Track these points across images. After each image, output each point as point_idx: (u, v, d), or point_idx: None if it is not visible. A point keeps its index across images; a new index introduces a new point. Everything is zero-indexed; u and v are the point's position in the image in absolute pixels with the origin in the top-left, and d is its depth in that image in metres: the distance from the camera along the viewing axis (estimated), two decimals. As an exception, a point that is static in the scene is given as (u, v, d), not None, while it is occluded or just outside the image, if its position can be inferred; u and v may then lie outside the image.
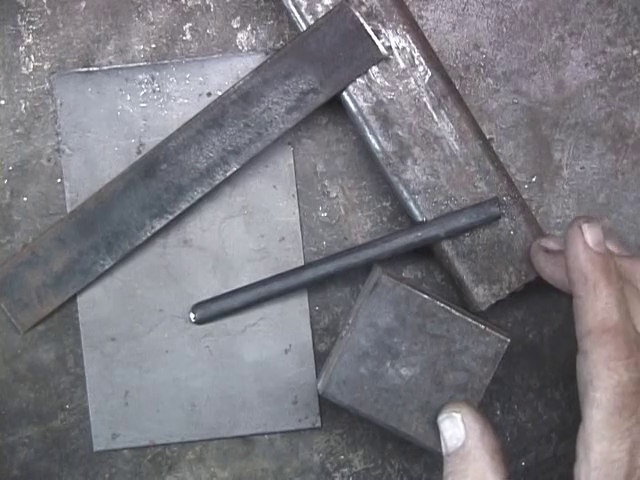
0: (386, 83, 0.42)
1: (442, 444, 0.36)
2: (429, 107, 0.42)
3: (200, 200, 0.44)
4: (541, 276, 0.41)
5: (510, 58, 0.45)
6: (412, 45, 0.42)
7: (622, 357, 0.31)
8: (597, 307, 0.32)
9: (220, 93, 0.44)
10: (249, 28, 0.45)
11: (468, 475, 0.35)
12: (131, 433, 0.45)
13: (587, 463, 0.31)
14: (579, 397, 0.32)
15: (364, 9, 0.42)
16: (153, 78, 0.45)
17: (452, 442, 0.36)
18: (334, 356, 0.41)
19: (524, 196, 0.45)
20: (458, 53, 0.45)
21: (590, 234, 0.33)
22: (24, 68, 0.45)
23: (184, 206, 0.43)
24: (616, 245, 0.38)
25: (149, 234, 0.44)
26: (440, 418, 0.37)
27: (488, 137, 0.44)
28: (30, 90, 0.45)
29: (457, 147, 0.42)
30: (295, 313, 0.45)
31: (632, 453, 0.30)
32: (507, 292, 0.43)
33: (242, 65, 0.45)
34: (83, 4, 0.45)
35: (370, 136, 0.43)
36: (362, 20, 0.42)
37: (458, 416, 0.37)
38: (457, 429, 0.36)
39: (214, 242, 0.45)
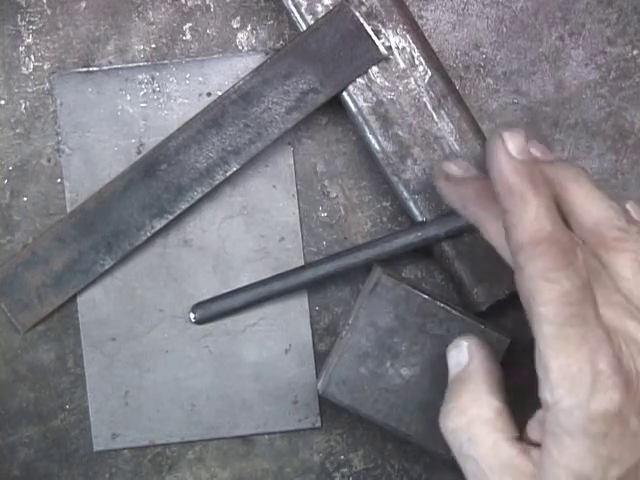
0: (386, 83, 0.42)
1: (449, 373, 0.36)
2: (429, 107, 0.42)
3: (200, 200, 0.44)
4: (450, 206, 0.38)
5: (510, 58, 0.45)
6: (412, 45, 0.42)
7: (561, 267, 0.29)
8: (527, 219, 0.30)
9: (220, 93, 0.44)
10: (249, 28, 0.45)
11: (462, 395, 0.34)
12: (131, 433, 0.45)
13: (549, 382, 0.29)
14: (527, 316, 0.30)
15: (364, 9, 0.42)
16: (153, 78, 0.45)
17: (455, 368, 0.36)
18: (334, 356, 0.41)
19: (524, 196, 0.45)
20: (458, 53, 0.45)
21: (512, 142, 0.31)
22: (24, 68, 0.45)
23: (184, 206, 0.43)
24: (539, 149, 0.36)
25: (149, 234, 0.44)
26: (448, 349, 0.36)
27: (488, 137, 0.44)
28: (30, 90, 0.45)
29: (457, 147, 0.42)
30: (295, 313, 0.45)
31: (591, 360, 0.28)
32: (507, 292, 0.43)
33: (242, 65, 0.45)
34: (83, 4, 0.45)
35: (370, 136, 0.43)
36: (362, 20, 0.42)
37: (465, 343, 0.36)
38: (461, 355, 0.35)
39: (214, 242, 0.45)
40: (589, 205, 0.33)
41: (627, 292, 0.31)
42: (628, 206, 0.35)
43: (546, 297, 0.29)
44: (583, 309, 0.29)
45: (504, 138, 0.31)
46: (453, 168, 0.38)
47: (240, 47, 0.45)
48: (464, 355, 0.35)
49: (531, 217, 0.30)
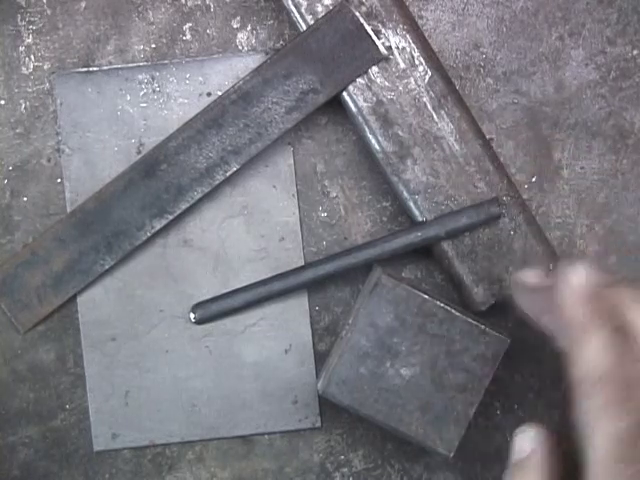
0: (386, 83, 0.42)
1: (511, 457, 0.36)
2: (429, 107, 0.42)
3: (200, 200, 0.44)
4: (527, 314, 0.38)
5: (510, 58, 0.45)
6: (412, 45, 0.42)
7: (618, 403, 0.29)
8: (586, 355, 0.30)
9: (220, 93, 0.44)
10: (249, 28, 0.45)
11: None
12: (131, 433, 0.45)
13: None
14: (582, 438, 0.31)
15: (364, 9, 0.42)
16: (153, 78, 0.45)
17: (518, 453, 0.35)
18: (334, 356, 0.41)
19: (524, 196, 0.45)
20: (458, 53, 0.45)
21: (576, 277, 0.32)
22: (24, 68, 0.45)
23: (184, 206, 0.43)
24: (600, 276, 0.36)
25: (149, 234, 0.44)
26: (515, 432, 0.36)
27: (488, 137, 0.44)
28: (30, 90, 0.45)
29: (457, 147, 0.42)
30: (295, 313, 0.45)
31: None
32: (507, 292, 0.43)
33: (242, 65, 0.45)
34: (83, 4, 0.45)
35: (370, 136, 0.43)
36: (362, 20, 0.42)
37: (532, 432, 0.35)
38: (525, 442, 0.35)
39: (214, 242, 0.45)
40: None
41: None
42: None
43: (602, 431, 0.29)
44: (637, 449, 0.29)
45: (567, 273, 0.32)
46: (529, 277, 0.38)
47: (240, 47, 0.45)
48: (529, 443, 0.35)
49: (591, 353, 0.30)
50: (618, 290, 0.34)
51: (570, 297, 0.32)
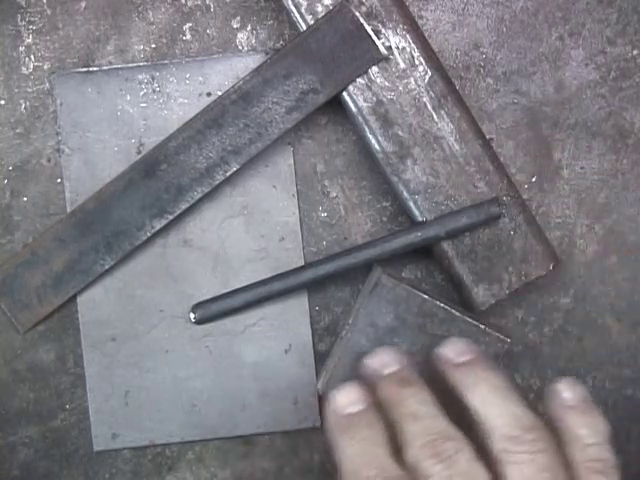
0: (386, 83, 0.42)
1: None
2: (429, 107, 0.42)
3: (200, 200, 0.44)
4: None
5: (510, 58, 0.45)
6: (412, 45, 0.42)
7: None
8: (344, 471, 0.33)
9: (220, 93, 0.44)
10: (249, 28, 0.45)
11: None
12: (131, 433, 0.45)
13: None
14: None
15: (364, 9, 0.42)
16: (153, 78, 0.45)
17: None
18: (334, 356, 0.41)
19: (524, 196, 0.45)
20: (458, 53, 0.45)
21: (338, 399, 0.35)
22: (24, 68, 0.45)
23: (184, 206, 0.43)
24: (452, 351, 0.37)
25: (149, 234, 0.44)
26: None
27: (488, 137, 0.44)
28: (30, 90, 0.45)
29: (457, 147, 0.42)
30: (295, 313, 0.45)
31: None
32: (507, 292, 0.43)
33: (242, 65, 0.45)
34: (83, 4, 0.45)
35: (370, 136, 0.43)
36: (362, 20, 0.42)
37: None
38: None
39: (214, 242, 0.45)
40: (486, 412, 0.33)
41: None
42: (560, 387, 0.35)
43: None
44: None
45: (331, 397, 0.35)
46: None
47: (240, 47, 0.45)
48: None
49: (347, 468, 0.33)
50: (462, 370, 0.36)
51: (329, 418, 0.35)
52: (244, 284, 0.45)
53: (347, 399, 0.35)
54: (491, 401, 0.33)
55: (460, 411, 0.34)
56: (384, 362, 0.36)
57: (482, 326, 0.40)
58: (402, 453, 0.33)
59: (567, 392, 0.35)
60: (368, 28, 0.42)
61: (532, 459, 0.31)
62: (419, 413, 0.34)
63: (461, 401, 0.35)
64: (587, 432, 0.33)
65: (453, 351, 0.37)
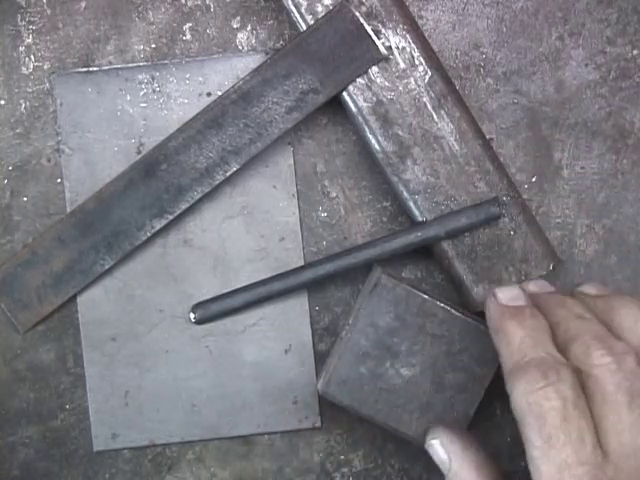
0: (386, 83, 0.42)
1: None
2: (429, 107, 0.42)
3: (200, 200, 0.44)
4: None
5: (510, 58, 0.45)
6: (412, 45, 0.42)
7: (537, 387, 0.31)
8: (510, 351, 0.33)
9: (220, 93, 0.44)
10: (249, 28, 0.45)
11: None
12: (131, 433, 0.45)
13: None
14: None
15: (364, 9, 0.42)
16: (153, 78, 0.45)
17: (442, 467, 0.38)
18: (334, 356, 0.41)
19: (524, 196, 0.45)
20: (458, 53, 0.45)
21: (501, 294, 0.36)
22: (24, 68, 0.45)
23: (184, 206, 0.43)
24: (538, 286, 0.39)
25: (149, 234, 0.44)
26: (425, 446, 0.39)
27: (488, 137, 0.44)
28: (30, 90, 0.45)
29: (457, 147, 0.42)
30: (295, 313, 0.45)
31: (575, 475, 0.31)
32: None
33: (242, 65, 0.45)
34: (83, 4, 0.45)
35: (370, 136, 0.43)
36: (362, 20, 0.42)
37: (436, 442, 0.39)
38: (440, 454, 0.38)
39: (214, 242, 0.45)
40: (637, 329, 0.34)
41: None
42: (586, 286, 0.38)
43: (528, 419, 0.31)
44: (565, 427, 0.31)
45: (494, 292, 0.36)
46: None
47: (240, 47, 0.45)
48: (442, 455, 0.38)
49: (514, 348, 0.33)
50: (548, 297, 0.37)
51: (493, 308, 0.35)
52: (244, 284, 0.45)
53: (510, 294, 0.36)
54: (576, 314, 0.35)
55: None
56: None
57: (482, 326, 0.40)
58: (566, 350, 0.33)
59: (592, 289, 0.37)
60: (368, 28, 0.42)
61: None
62: (586, 315, 0.34)
63: None
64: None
65: (595, 287, 0.38)
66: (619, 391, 0.31)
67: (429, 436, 0.39)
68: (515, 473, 0.46)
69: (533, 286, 0.38)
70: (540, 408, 0.31)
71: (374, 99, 0.42)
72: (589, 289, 0.38)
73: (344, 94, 0.42)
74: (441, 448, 0.38)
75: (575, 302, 0.36)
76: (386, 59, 0.42)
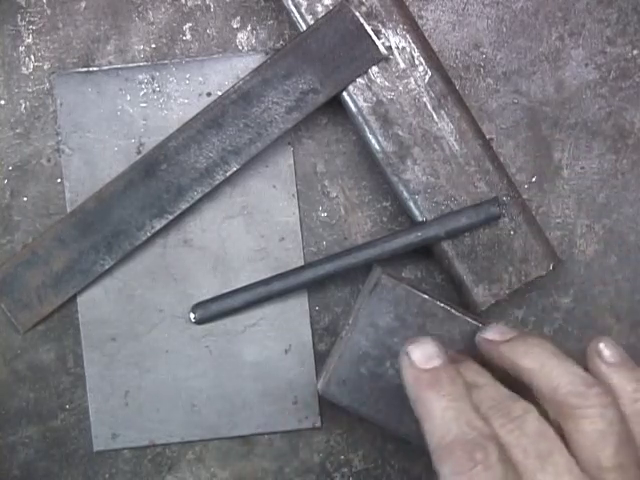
0: (386, 83, 0.42)
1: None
2: (429, 107, 0.42)
3: (200, 200, 0.44)
4: None
5: (510, 58, 0.45)
6: (412, 45, 0.42)
7: (465, 469, 0.30)
8: (432, 426, 0.32)
9: (220, 93, 0.44)
10: (249, 28, 0.45)
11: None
12: (131, 433, 0.45)
13: None
14: None
15: (364, 9, 0.42)
16: (153, 78, 0.45)
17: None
18: (334, 356, 0.41)
19: (524, 196, 0.45)
20: (458, 53, 0.45)
21: (416, 353, 0.34)
22: (24, 68, 0.45)
23: (184, 206, 0.43)
24: (497, 332, 0.37)
25: (149, 234, 0.44)
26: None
27: (488, 137, 0.44)
28: (30, 90, 0.45)
29: (457, 147, 0.42)
30: (295, 313, 0.45)
31: None
32: (507, 292, 0.43)
33: (242, 65, 0.45)
34: (83, 4, 0.45)
35: (370, 136, 0.43)
36: (362, 20, 0.42)
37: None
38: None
39: (214, 242, 0.45)
40: (545, 375, 0.33)
41: (584, 463, 0.31)
42: (601, 346, 0.36)
43: None
44: None
45: (408, 352, 0.34)
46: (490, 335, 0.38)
47: (240, 47, 0.45)
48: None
49: (436, 423, 0.32)
50: (512, 343, 0.36)
51: (409, 373, 0.34)
52: (244, 284, 0.45)
53: (425, 352, 0.34)
54: (550, 363, 0.34)
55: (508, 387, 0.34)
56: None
57: (482, 326, 0.40)
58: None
59: (608, 350, 0.36)
60: (368, 28, 0.42)
61: (602, 413, 0.32)
62: (479, 382, 0.34)
63: (507, 377, 0.35)
64: (634, 387, 0.34)
65: (498, 332, 0.37)
66: (528, 457, 0.31)
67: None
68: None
69: (492, 334, 0.37)
70: None
71: (374, 99, 0.42)
72: (492, 335, 0.37)
73: (344, 94, 0.42)
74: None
75: (467, 367, 0.35)
76: (386, 59, 0.42)
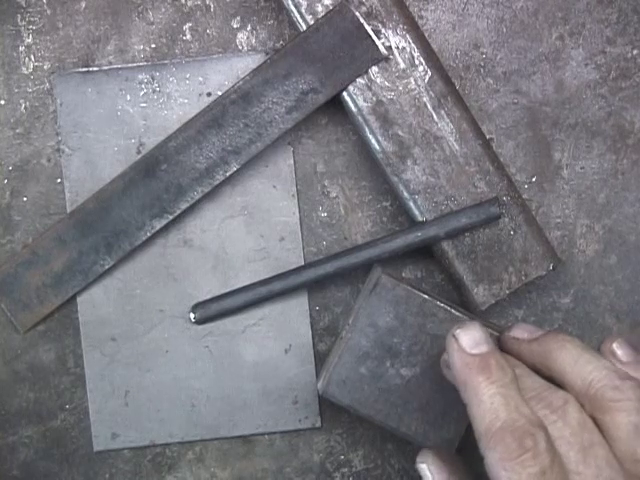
0: (386, 83, 0.42)
1: None
2: (429, 107, 0.42)
3: (200, 200, 0.44)
4: None
5: (510, 58, 0.45)
6: (412, 45, 0.42)
7: (514, 456, 0.30)
8: (481, 411, 0.32)
9: (220, 93, 0.44)
10: (249, 28, 0.45)
11: None
12: (131, 433, 0.45)
13: None
14: None
15: (364, 9, 0.42)
16: (153, 78, 0.45)
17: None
18: (334, 356, 0.41)
19: (524, 196, 0.45)
20: (458, 53, 0.45)
21: (464, 338, 0.34)
22: (24, 68, 0.45)
23: (184, 206, 0.43)
24: (526, 330, 0.37)
25: (149, 234, 0.44)
26: (415, 466, 0.39)
27: (488, 137, 0.44)
28: (30, 90, 0.45)
29: (457, 147, 0.42)
30: (295, 313, 0.45)
31: None
32: (507, 292, 0.43)
33: (242, 65, 0.45)
34: (83, 4, 0.45)
35: (370, 136, 0.43)
36: (362, 20, 0.42)
37: (424, 466, 0.38)
38: (427, 478, 0.38)
39: (214, 242, 0.45)
40: (579, 370, 0.34)
41: (620, 454, 0.32)
42: (615, 346, 0.36)
43: None
44: None
45: (456, 336, 0.34)
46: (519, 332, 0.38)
47: (240, 47, 0.45)
48: (429, 478, 0.38)
49: (486, 407, 0.32)
50: (542, 340, 0.36)
51: (459, 358, 0.34)
52: (244, 284, 0.45)
53: (473, 337, 0.34)
54: (583, 358, 0.34)
55: None
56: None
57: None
58: None
59: (621, 350, 0.36)
60: (368, 28, 0.42)
61: (637, 406, 0.32)
62: (517, 373, 0.34)
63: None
64: None
65: (527, 330, 0.37)
66: (572, 448, 0.31)
67: (418, 458, 0.39)
68: None
69: (519, 331, 0.37)
70: (519, 476, 0.30)
71: (374, 99, 0.42)
72: (521, 333, 0.37)
73: (344, 94, 0.42)
74: (429, 473, 0.38)
75: (504, 356, 0.35)
76: (386, 59, 0.42)
